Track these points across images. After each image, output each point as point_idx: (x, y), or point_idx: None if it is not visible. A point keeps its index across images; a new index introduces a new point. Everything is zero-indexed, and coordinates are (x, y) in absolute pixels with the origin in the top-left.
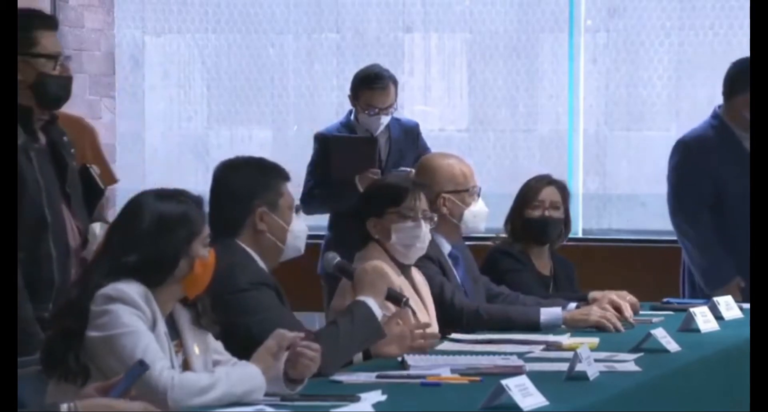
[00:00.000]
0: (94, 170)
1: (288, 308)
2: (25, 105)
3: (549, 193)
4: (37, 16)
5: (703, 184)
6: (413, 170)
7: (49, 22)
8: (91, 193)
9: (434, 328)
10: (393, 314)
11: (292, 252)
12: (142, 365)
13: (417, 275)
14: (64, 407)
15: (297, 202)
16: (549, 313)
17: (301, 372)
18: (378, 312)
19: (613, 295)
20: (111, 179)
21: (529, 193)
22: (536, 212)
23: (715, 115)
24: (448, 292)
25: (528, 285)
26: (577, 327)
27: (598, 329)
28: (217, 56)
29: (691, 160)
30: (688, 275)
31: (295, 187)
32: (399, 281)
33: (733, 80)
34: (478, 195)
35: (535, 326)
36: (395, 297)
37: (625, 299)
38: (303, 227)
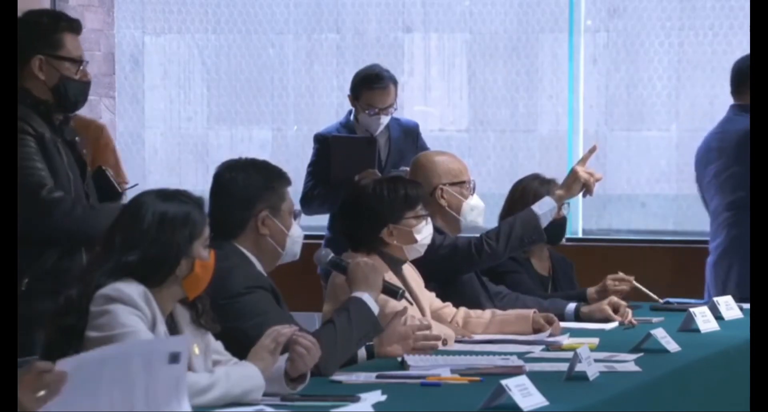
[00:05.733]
0: (110, 173)
1: (285, 309)
2: (45, 100)
3: None
4: (65, 18)
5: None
6: None
7: (75, 25)
8: (105, 195)
9: (430, 323)
10: (396, 313)
11: (289, 257)
12: None
13: (408, 269)
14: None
15: (297, 207)
16: (542, 205)
17: (298, 366)
18: (374, 307)
19: (614, 298)
20: (122, 181)
21: (538, 195)
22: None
23: (744, 109)
24: (450, 239)
25: (527, 286)
26: (593, 319)
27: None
28: (217, 56)
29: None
30: (716, 276)
31: (293, 189)
32: (391, 279)
33: (741, 76)
34: (474, 190)
35: (537, 223)
36: (391, 290)
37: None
38: (300, 233)
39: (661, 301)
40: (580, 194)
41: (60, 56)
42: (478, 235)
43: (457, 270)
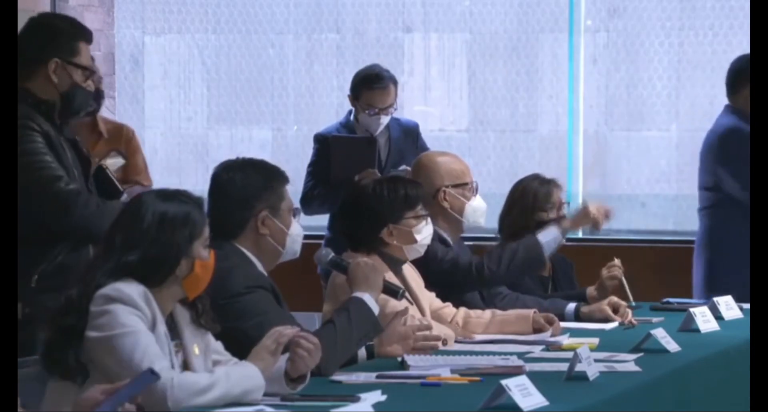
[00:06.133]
0: (110, 171)
1: (286, 309)
2: (48, 99)
3: (558, 194)
4: (81, 27)
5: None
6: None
7: (89, 36)
8: (106, 194)
9: (430, 323)
10: (397, 313)
11: (289, 255)
12: (153, 374)
13: (408, 269)
14: None
15: (296, 205)
16: (546, 235)
17: (298, 367)
18: (374, 307)
19: (613, 298)
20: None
21: (538, 196)
22: (551, 213)
23: (733, 111)
24: (452, 254)
25: (527, 286)
26: (593, 319)
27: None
28: (217, 56)
29: (742, 140)
30: (704, 274)
31: (293, 188)
32: (390, 279)
33: (736, 76)
34: (476, 191)
35: (540, 252)
36: (391, 290)
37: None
38: (300, 231)
39: (633, 303)
40: (580, 194)
41: (75, 63)
42: (481, 239)
43: (456, 286)
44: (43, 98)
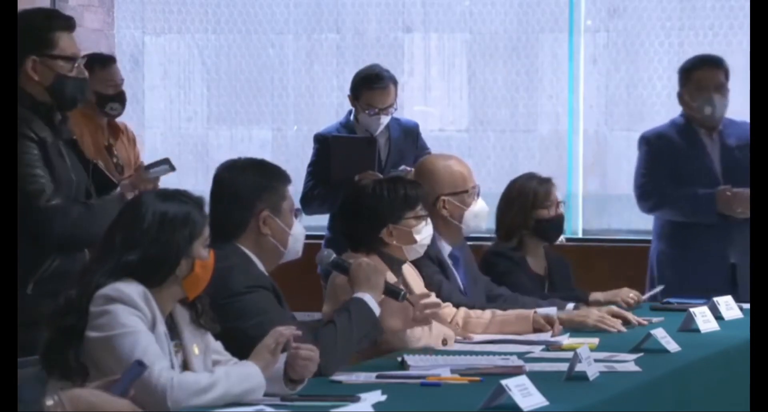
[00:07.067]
0: (102, 165)
1: (287, 309)
2: (45, 101)
3: (555, 192)
4: (56, 16)
5: (664, 167)
6: (413, 169)
7: (68, 23)
8: (103, 188)
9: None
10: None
11: (291, 255)
12: (141, 365)
13: (408, 269)
14: (50, 401)
15: (297, 205)
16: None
17: (300, 374)
18: (375, 308)
19: (614, 308)
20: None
21: (538, 194)
22: (551, 211)
23: (681, 114)
24: (445, 292)
25: (524, 286)
26: (574, 329)
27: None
28: (217, 56)
29: (652, 149)
30: (650, 274)
31: (293, 188)
32: (390, 279)
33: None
34: (478, 195)
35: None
36: (393, 291)
37: (627, 297)
38: (302, 231)
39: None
40: (580, 194)
41: (53, 55)
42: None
43: None
44: (40, 100)
